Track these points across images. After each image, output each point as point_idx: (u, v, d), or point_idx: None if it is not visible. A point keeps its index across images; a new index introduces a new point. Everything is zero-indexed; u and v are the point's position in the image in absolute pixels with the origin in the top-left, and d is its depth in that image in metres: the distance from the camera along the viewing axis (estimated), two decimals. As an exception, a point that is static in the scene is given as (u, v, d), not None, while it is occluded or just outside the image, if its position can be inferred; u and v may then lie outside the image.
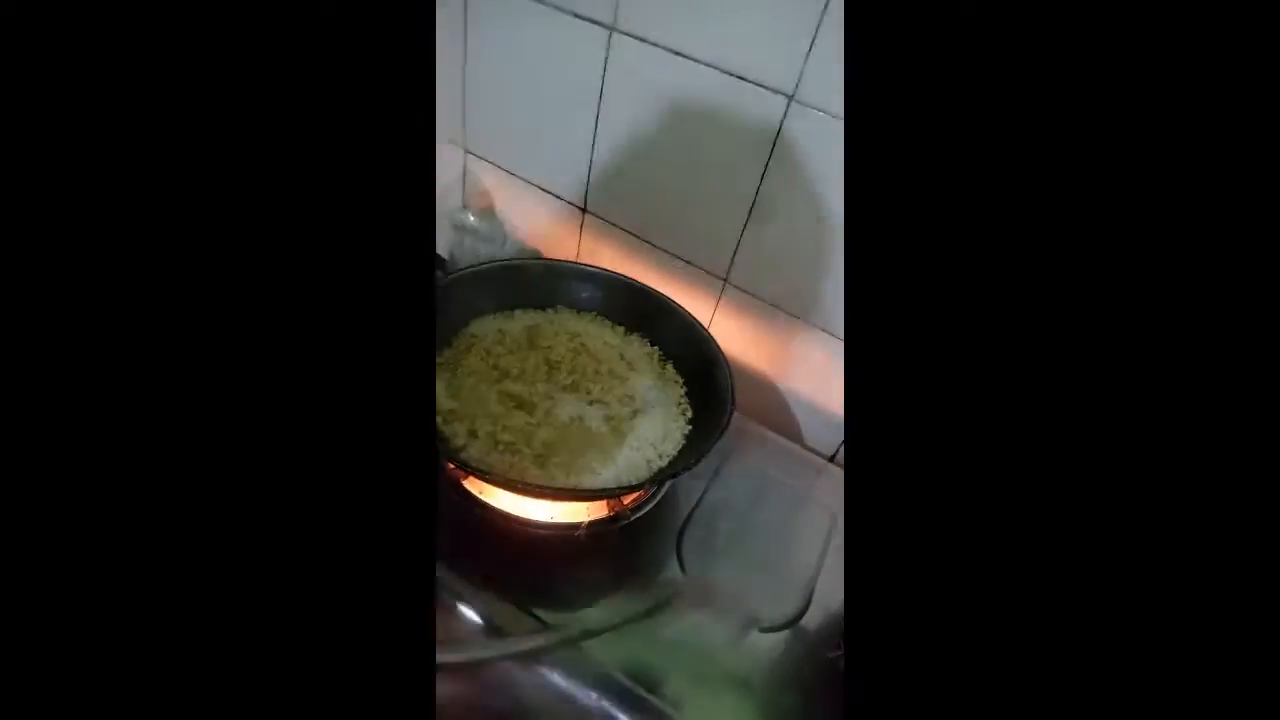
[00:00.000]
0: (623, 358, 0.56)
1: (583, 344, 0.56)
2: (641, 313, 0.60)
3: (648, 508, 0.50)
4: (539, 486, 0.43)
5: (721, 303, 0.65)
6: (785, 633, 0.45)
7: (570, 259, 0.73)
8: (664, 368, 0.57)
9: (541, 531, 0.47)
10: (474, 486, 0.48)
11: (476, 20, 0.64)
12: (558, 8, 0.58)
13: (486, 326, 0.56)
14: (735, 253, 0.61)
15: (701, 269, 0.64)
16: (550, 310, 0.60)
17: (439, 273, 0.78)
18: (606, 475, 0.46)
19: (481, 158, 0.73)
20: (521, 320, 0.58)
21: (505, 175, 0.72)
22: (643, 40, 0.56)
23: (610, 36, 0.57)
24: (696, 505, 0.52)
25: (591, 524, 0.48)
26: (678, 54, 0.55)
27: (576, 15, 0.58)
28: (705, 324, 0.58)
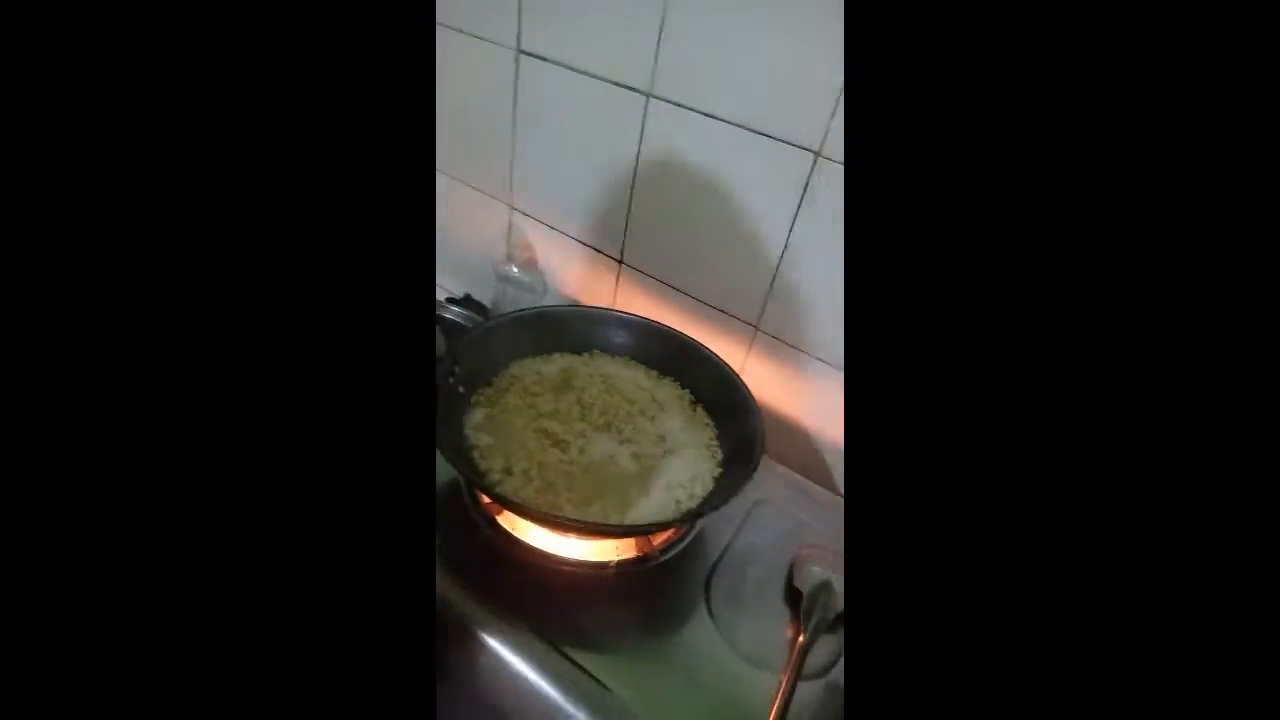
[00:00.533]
0: (654, 399, 0.58)
1: (614, 385, 0.58)
2: (673, 357, 0.62)
3: (676, 550, 0.50)
4: (571, 520, 0.44)
5: (753, 349, 0.66)
6: (819, 681, 0.44)
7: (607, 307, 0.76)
8: (694, 410, 0.58)
9: (571, 568, 0.48)
10: (507, 521, 0.49)
11: (525, 86, 0.70)
12: (599, 77, 0.63)
13: (525, 368, 0.58)
14: (766, 301, 0.63)
15: (734, 316, 0.66)
16: (586, 354, 0.62)
17: (480, 319, 0.82)
18: (637, 513, 0.47)
19: (526, 214, 0.78)
20: (558, 363, 0.60)
21: (547, 230, 0.77)
22: (677, 105, 0.60)
23: (647, 102, 0.62)
24: (725, 550, 0.51)
25: (620, 563, 0.48)
26: (710, 116, 0.58)
27: (616, 84, 0.63)
28: (737, 369, 0.60)
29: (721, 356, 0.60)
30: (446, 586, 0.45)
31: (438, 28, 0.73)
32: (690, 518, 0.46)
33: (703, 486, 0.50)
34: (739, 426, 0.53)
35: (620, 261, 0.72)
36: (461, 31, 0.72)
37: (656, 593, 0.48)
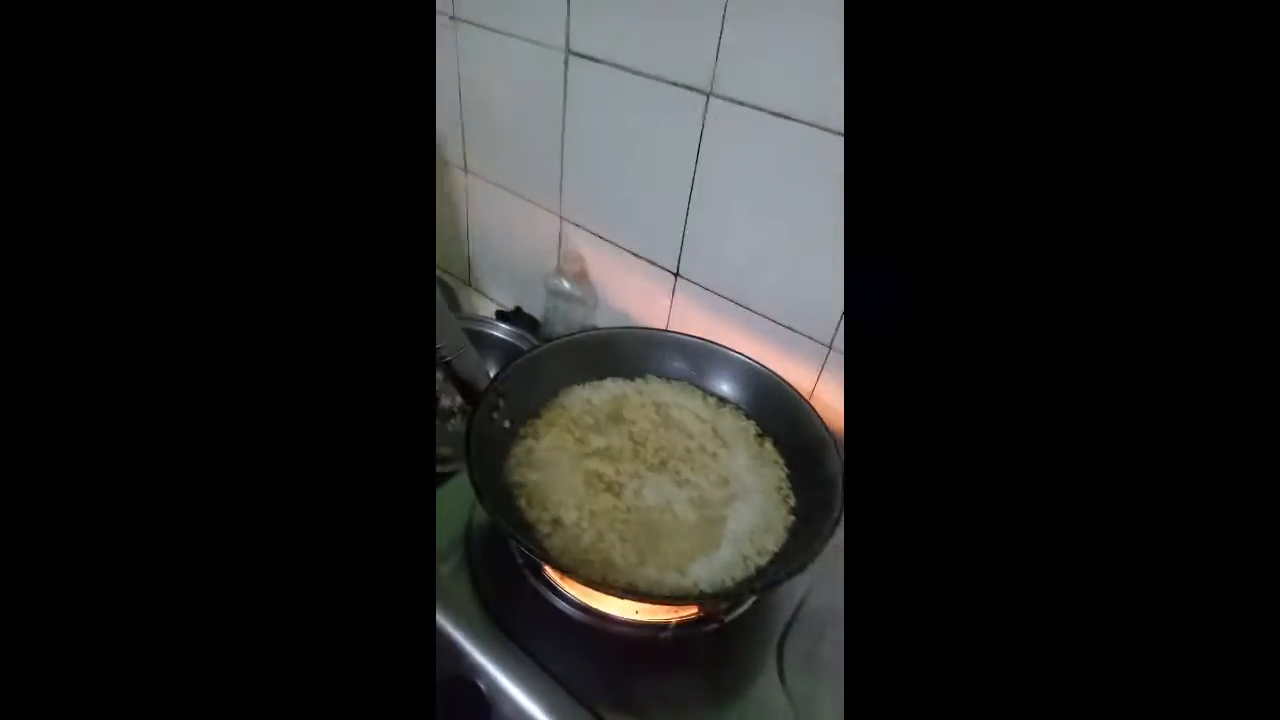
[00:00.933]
0: (715, 433, 0.52)
1: (670, 417, 0.53)
2: (735, 383, 0.56)
3: (742, 609, 0.45)
4: (624, 589, 0.39)
5: (825, 373, 0.59)
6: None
7: (661, 323, 0.71)
8: (762, 445, 0.52)
9: (623, 629, 0.43)
10: (552, 572, 0.45)
11: (575, 89, 0.65)
12: (654, 76, 0.58)
13: (574, 396, 0.54)
14: (841, 319, 0.56)
15: (803, 335, 0.59)
16: (639, 379, 0.57)
17: (530, 335, 0.79)
18: (699, 572, 0.41)
19: (577, 224, 0.74)
20: (609, 390, 0.56)
21: (599, 241, 0.72)
22: (742, 104, 0.54)
23: (707, 102, 0.56)
24: (799, 608, 0.45)
25: (679, 625, 0.43)
26: (779, 115, 0.52)
27: (674, 84, 0.57)
28: (806, 395, 0.53)
29: (790, 381, 0.54)
30: (482, 638, 0.42)
31: (483, 30, 0.70)
32: (758, 587, 0.40)
33: (775, 540, 0.44)
34: (815, 466, 0.47)
35: (676, 274, 0.67)
36: (508, 34, 0.68)
37: (720, 659, 0.43)
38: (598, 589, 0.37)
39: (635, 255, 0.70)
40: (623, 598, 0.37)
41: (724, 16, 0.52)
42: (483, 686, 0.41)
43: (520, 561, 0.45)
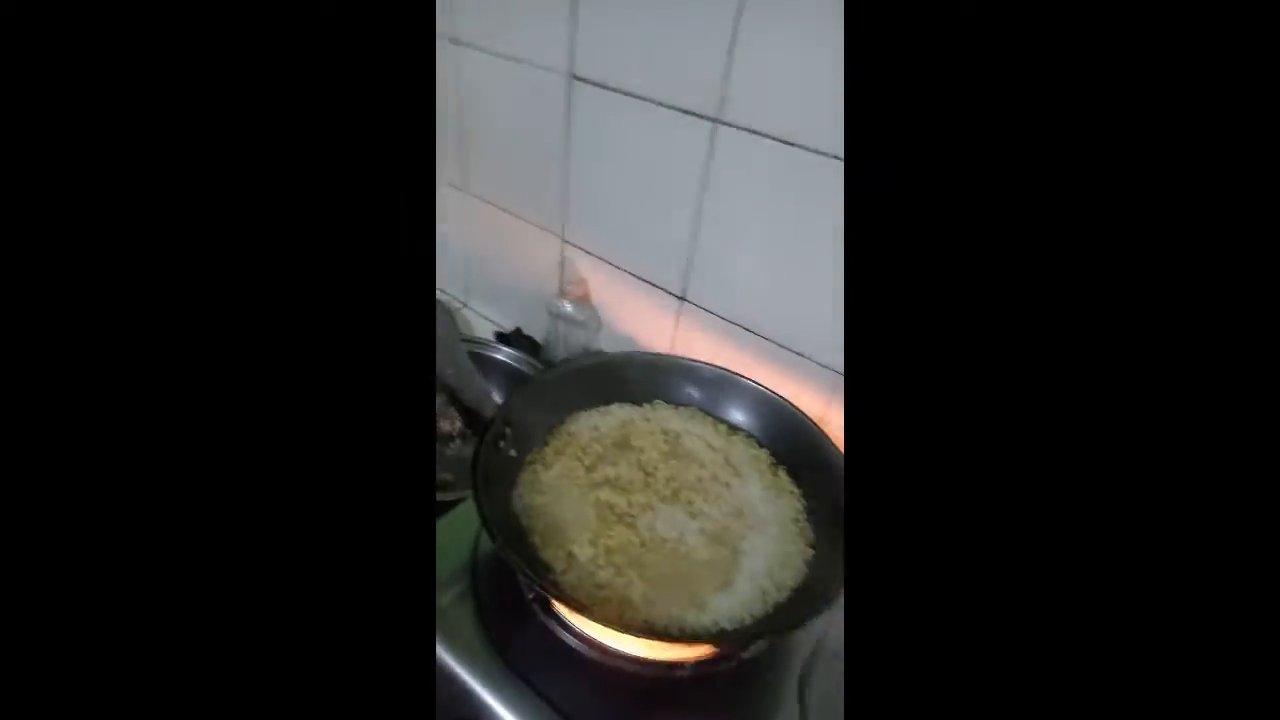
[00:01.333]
0: (727, 461, 0.51)
1: (680, 445, 0.52)
2: (746, 411, 0.55)
3: (761, 645, 0.43)
4: (643, 629, 0.38)
5: (837, 400, 0.59)
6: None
7: (665, 347, 0.70)
8: (776, 474, 0.51)
9: (637, 667, 0.41)
10: (562, 607, 0.43)
11: (579, 113, 0.65)
12: (660, 103, 0.58)
13: (582, 424, 0.53)
14: (851, 345, 0.56)
15: (813, 361, 0.59)
16: (647, 405, 0.56)
17: (532, 358, 0.78)
18: (718, 609, 0.40)
19: (580, 247, 0.73)
20: (616, 415, 0.54)
21: (603, 264, 0.72)
22: (750, 131, 0.54)
23: (715, 129, 0.56)
24: (820, 642, 0.44)
25: (696, 663, 0.41)
26: (787, 143, 0.52)
27: (680, 110, 0.57)
28: (818, 423, 0.52)
29: (800, 407, 0.53)
30: (488, 676, 0.40)
31: (484, 54, 0.70)
32: (785, 627, 0.38)
33: (793, 575, 0.43)
34: (832, 495, 0.46)
35: (681, 298, 0.67)
36: (509, 58, 0.68)
37: (739, 698, 0.41)
38: (614, 628, 0.36)
39: (639, 279, 0.69)
40: (641, 638, 0.36)
41: (731, 43, 0.52)
42: (490, 730, 0.39)
43: (530, 596, 0.44)
